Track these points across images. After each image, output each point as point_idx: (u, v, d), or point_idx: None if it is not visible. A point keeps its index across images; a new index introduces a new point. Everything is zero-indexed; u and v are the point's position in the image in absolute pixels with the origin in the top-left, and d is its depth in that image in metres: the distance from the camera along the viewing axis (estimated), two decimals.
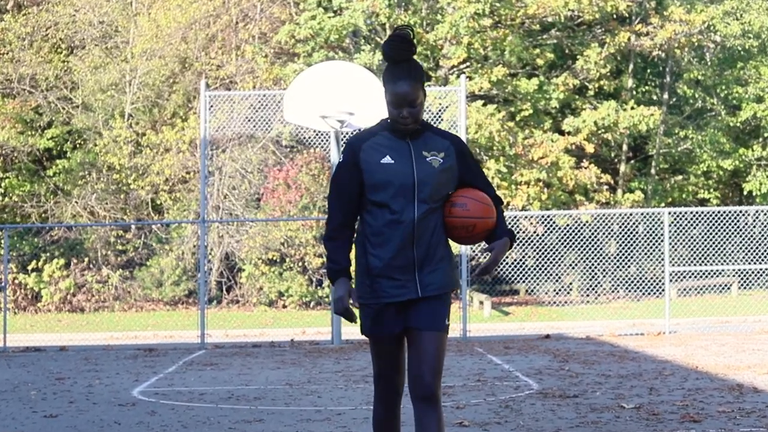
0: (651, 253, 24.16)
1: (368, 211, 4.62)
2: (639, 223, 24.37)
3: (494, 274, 22.89)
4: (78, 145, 26.84)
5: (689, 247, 22.38)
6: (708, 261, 21.71)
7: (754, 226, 23.99)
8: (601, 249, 22.91)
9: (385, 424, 4.76)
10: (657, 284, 20.98)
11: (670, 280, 18.40)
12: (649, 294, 21.98)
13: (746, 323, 18.88)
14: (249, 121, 22.24)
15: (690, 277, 24.49)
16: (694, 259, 21.91)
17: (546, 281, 23.16)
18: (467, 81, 21.98)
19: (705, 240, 21.68)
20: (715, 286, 24.69)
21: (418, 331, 4.60)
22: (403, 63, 4.58)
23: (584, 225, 23.11)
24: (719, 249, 21.70)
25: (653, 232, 23.34)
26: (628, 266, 24.11)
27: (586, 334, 17.13)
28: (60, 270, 23.94)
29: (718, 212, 20.99)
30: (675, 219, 22.25)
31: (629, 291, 23.95)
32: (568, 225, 23.14)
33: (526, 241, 22.46)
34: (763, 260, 21.12)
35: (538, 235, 22.35)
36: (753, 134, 29.82)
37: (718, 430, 7.44)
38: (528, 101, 26.30)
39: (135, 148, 26.03)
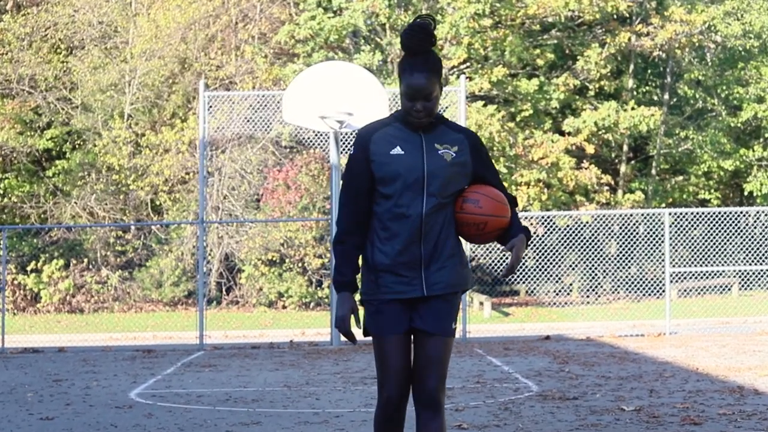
0: (651, 254, 24.11)
1: (377, 203, 4.45)
2: (639, 224, 24.32)
3: (494, 274, 22.85)
4: (77, 146, 26.80)
5: (690, 247, 22.33)
6: (709, 262, 21.66)
7: (755, 227, 23.92)
8: (601, 250, 22.86)
9: (385, 430, 4.54)
10: (657, 285, 20.93)
11: (671, 281, 18.35)
12: (649, 295, 21.93)
13: (747, 324, 18.83)
14: (248, 121, 22.19)
15: (690, 277, 24.44)
16: (695, 259, 21.86)
17: (546, 282, 23.12)
18: (467, 81, 21.94)
19: (706, 241, 21.63)
20: (715, 287, 24.63)
21: (423, 335, 4.45)
22: (420, 54, 4.44)
23: (584, 225, 23.05)
24: (720, 250, 21.65)
25: (654, 232, 23.28)
26: (629, 267, 24.06)
27: (586, 335, 17.08)
28: (59, 271, 23.90)
29: (719, 213, 20.94)
30: (675, 220, 22.21)
31: (630, 292, 23.91)
32: (568, 226, 23.10)
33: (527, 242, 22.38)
34: (763, 261, 21.06)
35: (538, 235, 22.30)
36: (754, 135, 29.78)
37: None
38: (528, 102, 26.26)
39: (134, 149, 25.98)
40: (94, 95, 25.97)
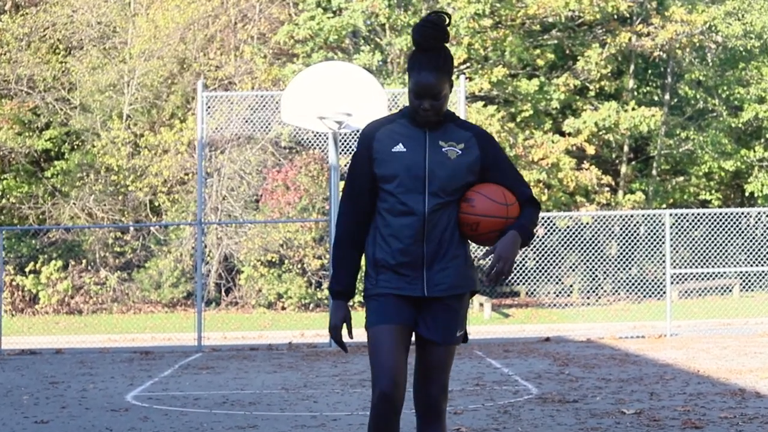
0: (652, 255, 24.03)
1: (381, 200, 4.33)
2: (640, 225, 24.25)
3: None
4: (76, 147, 26.72)
5: (690, 248, 22.25)
6: (709, 263, 21.59)
7: (756, 228, 23.83)
8: (601, 251, 22.78)
9: None
10: (658, 286, 20.86)
11: (672, 282, 18.27)
12: (650, 296, 21.86)
13: (748, 325, 18.77)
14: (247, 122, 22.10)
15: (691, 279, 24.36)
16: (696, 260, 21.78)
17: (547, 283, 23.04)
18: (467, 82, 21.86)
19: (706, 242, 21.54)
20: (716, 288, 24.55)
21: (425, 341, 4.34)
22: (431, 51, 4.29)
23: (585, 226, 22.98)
24: (721, 251, 21.57)
25: (654, 233, 23.20)
26: (629, 268, 23.99)
27: (586, 337, 17.01)
28: (58, 272, 23.82)
29: (720, 214, 20.87)
30: (676, 220, 22.13)
31: (630, 293, 23.83)
32: (568, 227, 23.02)
33: None
34: (765, 262, 20.98)
35: (538, 236, 22.21)
36: (755, 135, 29.72)
37: None
38: (528, 102, 26.20)
39: (133, 150, 25.91)
40: (93, 96, 25.90)
